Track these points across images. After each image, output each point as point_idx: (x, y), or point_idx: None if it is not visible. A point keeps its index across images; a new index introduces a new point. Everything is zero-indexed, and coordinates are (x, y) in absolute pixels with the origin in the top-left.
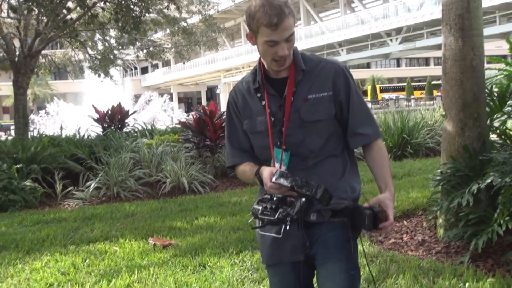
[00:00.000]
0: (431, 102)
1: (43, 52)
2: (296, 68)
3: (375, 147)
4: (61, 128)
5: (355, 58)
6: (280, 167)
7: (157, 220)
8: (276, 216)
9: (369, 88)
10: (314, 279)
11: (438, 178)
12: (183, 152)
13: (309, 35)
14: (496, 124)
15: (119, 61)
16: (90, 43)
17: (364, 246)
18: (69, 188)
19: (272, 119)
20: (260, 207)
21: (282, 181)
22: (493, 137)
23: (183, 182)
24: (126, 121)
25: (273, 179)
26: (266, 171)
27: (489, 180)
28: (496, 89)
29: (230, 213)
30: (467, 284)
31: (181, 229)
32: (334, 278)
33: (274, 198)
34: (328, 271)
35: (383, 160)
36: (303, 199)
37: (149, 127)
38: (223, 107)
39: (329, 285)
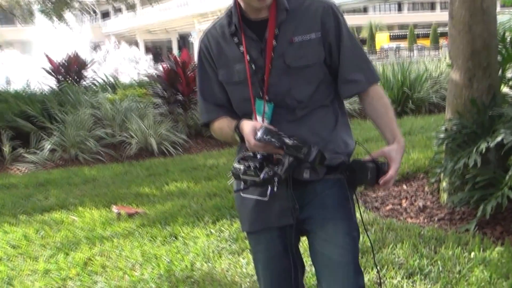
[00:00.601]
0: (436, 52)
1: None
2: (278, 7)
3: (374, 95)
4: (8, 82)
5: (350, 2)
6: (263, 121)
7: (121, 186)
8: (261, 177)
9: (384, 36)
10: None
11: (442, 136)
12: (151, 109)
13: None
14: (508, 75)
15: (75, 4)
16: None
17: (360, 212)
18: (19, 150)
19: (252, 66)
20: (242, 167)
21: (268, 139)
22: (505, 90)
23: (151, 142)
24: (84, 73)
25: (258, 136)
26: (248, 126)
27: (499, 138)
28: (509, 36)
29: (206, 178)
30: (472, 254)
31: (149, 195)
32: (336, 241)
33: (258, 156)
34: (329, 233)
35: (386, 109)
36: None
37: (112, 79)
38: None
39: (331, 249)
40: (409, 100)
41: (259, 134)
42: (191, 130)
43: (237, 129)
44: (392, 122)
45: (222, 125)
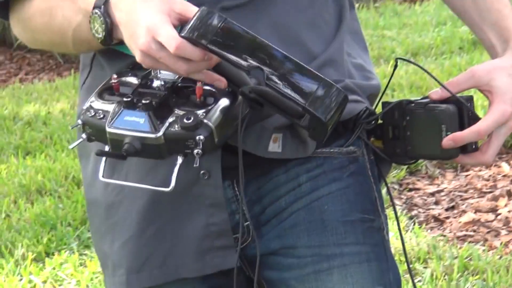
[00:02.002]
0: None
1: None
2: None
3: None
4: None
5: None
6: None
7: None
8: (162, 130)
9: None
10: None
11: None
12: None
13: None
14: None
15: None
16: None
17: (400, 230)
18: None
19: None
20: (112, 106)
21: (220, 47)
22: None
23: None
24: None
25: (187, 32)
26: (144, 3)
27: None
28: None
29: (18, 149)
30: None
31: None
32: None
33: (154, 83)
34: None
35: None
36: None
37: None
38: None
39: None
40: None
41: (188, 27)
42: None
43: (102, 9)
44: (499, 4)
45: (49, 4)
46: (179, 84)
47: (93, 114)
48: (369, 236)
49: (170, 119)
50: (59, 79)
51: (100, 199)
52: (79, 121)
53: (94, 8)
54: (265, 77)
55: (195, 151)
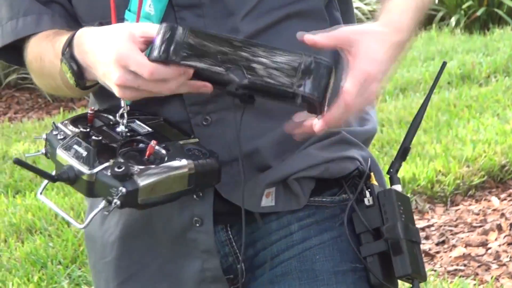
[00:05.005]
0: None
1: None
2: None
3: None
4: None
5: None
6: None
7: None
8: (96, 169)
9: None
10: None
11: None
12: None
13: None
14: None
15: None
16: None
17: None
18: None
19: None
20: (72, 130)
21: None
22: None
23: None
24: None
25: (155, 54)
26: (111, 31)
27: None
28: None
29: (8, 188)
30: None
31: None
32: None
33: (119, 128)
34: None
35: None
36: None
37: None
38: None
39: None
40: None
41: (155, 48)
42: None
43: (67, 55)
44: None
45: (42, 49)
46: (139, 137)
47: (55, 133)
48: (359, 287)
49: (107, 163)
50: (48, 118)
51: (96, 236)
52: (44, 136)
53: (61, 54)
54: (245, 74)
55: (114, 200)
